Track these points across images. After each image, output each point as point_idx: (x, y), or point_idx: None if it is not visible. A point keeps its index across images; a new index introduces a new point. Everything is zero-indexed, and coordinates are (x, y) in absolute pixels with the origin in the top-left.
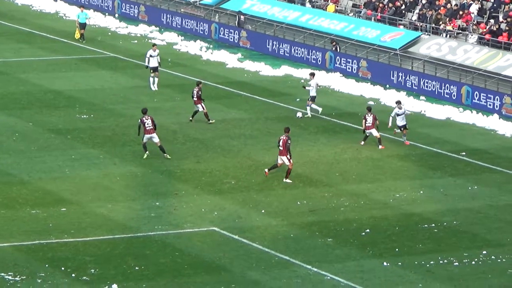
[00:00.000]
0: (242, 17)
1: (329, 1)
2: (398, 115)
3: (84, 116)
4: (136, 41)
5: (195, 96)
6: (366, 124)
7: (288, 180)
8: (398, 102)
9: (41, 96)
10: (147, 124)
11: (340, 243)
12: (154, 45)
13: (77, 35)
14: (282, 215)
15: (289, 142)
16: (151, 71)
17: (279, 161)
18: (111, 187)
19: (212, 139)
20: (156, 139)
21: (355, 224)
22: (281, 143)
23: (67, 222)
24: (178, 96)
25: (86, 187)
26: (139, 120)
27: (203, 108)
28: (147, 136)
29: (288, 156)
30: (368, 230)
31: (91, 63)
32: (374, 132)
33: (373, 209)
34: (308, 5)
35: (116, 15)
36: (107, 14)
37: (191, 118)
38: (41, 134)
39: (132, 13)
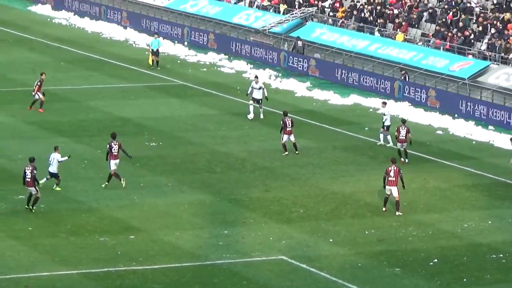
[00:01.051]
0: (300, 42)
1: (398, 30)
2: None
3: (153, 143)
4: (205, 69)
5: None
6: (400, 137)
7: (400, 213)
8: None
9: (110, 124)
10: (114, 149)
11: (407, 273)
12: (256, 77)
13: (150, 61)
14: (350, 244)
15: (401, 172)
16: (254, 101)
17: (388, 192)
18: (179, 215)
19: (281, 167)
20: (117, 165)
21: (423, 254)
22: (392, 174)
23: (135, 250)
24: (247, 124)
25: (154, 214)
26: (108, 145)
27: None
28: (113, 161)
29: (398, 187)
30: (436, 260)
31: (160, 90)
32: (405, 145)
33: (441, 239)
34: (377, 34)
35: (186, 43)
36: (176, 42)
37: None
38: None
39: (201, 41)
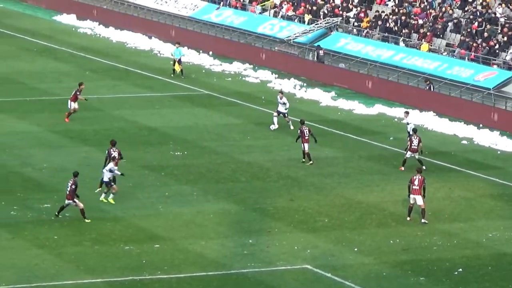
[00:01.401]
0: (321, 51)
1: (423, 40)
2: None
3: (178, 153)
4: (230, 79)
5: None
6: (412, 147)
7: (426, 221)
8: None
9: (135, 133)
10: (113, 156)
11: (432, 282)
12: (280, 92)
13: (178, 68)
14: (374, 254)
15: (425, 182)
16: (279, 114)
17: (412, 201)
18: (204, 224)
19: (305, 177)
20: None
21: (448, 264)
22: (417, 183)
23: (160, 259)
24: (272, 134)
25: (179, 224)
26: (107, 152)
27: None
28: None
29: (422, 196)
30: (460, 270)
31: (185, 100)
32: (416, 155)
33: (466, 248)
34: (402, 44)
35: (211, 52)
36: (201, 51)
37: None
38: (135, 170)
39: (226, 50)
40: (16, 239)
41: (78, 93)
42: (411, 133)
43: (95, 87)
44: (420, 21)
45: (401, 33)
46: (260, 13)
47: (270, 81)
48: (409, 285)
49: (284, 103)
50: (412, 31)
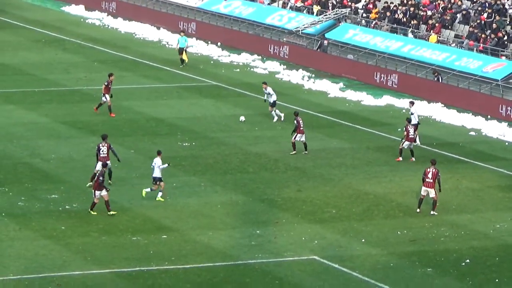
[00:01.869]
0: (325, 41)
1: (432, 31)
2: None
3: (186, 144)
4: (238, 70)
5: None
6: (410, 136)
7: (435, 212)
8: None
9: (143, 124)
10: (102, 151)
11: (439, 273)
12: (264, 83)
13: (185, 57)
14: (382, 245)
15: (439, 175)
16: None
17: (423, 193)
18: (211, 215)
19: (313, 168)
20: (109, 166)
21: (455, 255)
22: (430, 176)
23: (167, 249)
24: (280, 125)
25: (187, 214)
26: (96, 146)
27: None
28: (99, 163)
29: (435, 189)
30: (468, 261)
31: (193, 91)
32: (412, 144)
33: (473, 239)
34: (410, 35)
35: (219, 43)
36: (209, 42)
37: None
38: (142, 161)
39: (234, 41)
40: (23, 229)
41: (106, 84)
42: (414, 122)
43: (103, 78)
44: (429, 12)
45: (410, 24)
46: (268, 4)
47: (278, 72)
48: (416, 276)
49: (269, 93)
50: (421, 22)
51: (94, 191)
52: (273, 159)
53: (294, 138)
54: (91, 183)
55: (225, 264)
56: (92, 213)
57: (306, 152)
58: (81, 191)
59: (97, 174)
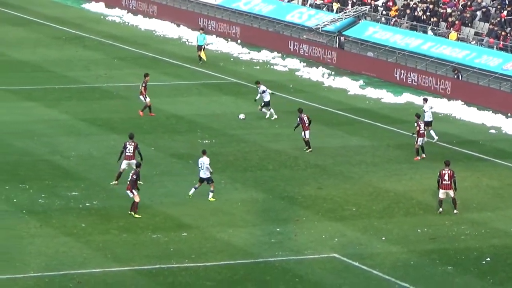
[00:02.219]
0: (342, 38)
1: (451, 29)
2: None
3: (206, 141)
4: (258, 67)
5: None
6: (421, 131)
7: (457, 211)
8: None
9: (163, 121)
10: (128, 149)
11: (460, 272)
12: (257, 82)
13: (203, 55)
14: (402, 243)
15: (455, 176)
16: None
17: (442, 196)
18: (232, 212)
19: (333, 165)
20: (134, 165)
21: (476, 253)
22: (447, 177)
23: (187, 247)
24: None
25: (207, 212)
26: (123, 144)
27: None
28: (125, 162)
29: (454, 189)
30: (488, 259)
31: (213, 88)
32: (424, 140)
33: (494, 237)
34: (430, 32)
35: (239, 40)
36: (229, 39)
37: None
38: (162, 158)
39: (254, 39)
40: (44, 227)
41: (144, 85)
42: (425, 119)
43: (123, 75)
44: (449, 10)
45: (430, 22)
46: (288, 1)
47: (298, 70)
48: (436, 274)
49: (264, 91)
50: (441, 20)
51: (132, 191)
52: (293, 157)
53: (305, 135)
54: (116, 181)
55: (245, 262)
56: (136, 216)
57: (310, 149)
58: (101, 189)
59: (131, 174)
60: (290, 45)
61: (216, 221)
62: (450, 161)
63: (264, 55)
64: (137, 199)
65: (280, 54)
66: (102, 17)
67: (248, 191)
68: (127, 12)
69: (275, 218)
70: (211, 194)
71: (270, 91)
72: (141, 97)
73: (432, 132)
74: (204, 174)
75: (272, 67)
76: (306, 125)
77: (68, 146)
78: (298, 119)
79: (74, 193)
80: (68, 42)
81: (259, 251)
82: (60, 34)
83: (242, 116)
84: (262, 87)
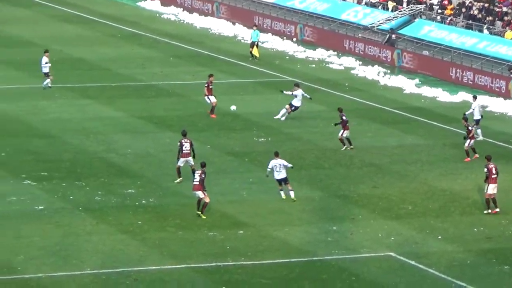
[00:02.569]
0: (393, 36)
1: (507, 28)
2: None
3: (262, 139)
4: (314, 65)
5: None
6: (470, 135)
7: (497, 209)
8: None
9: (219, 119)
10: (185, 147)
11: None
12: (296, 85)
13: (256, 52)
14: (458, 242)
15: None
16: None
17: (493, 191)
18: (288, 210)
19: (389, 164)
20: (191, 162)
21: None
22: (494, 171)
23: (244, 245)
24: (354, 121)
25: (263, 210)
26: (179, 143)
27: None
28: (182, 159)
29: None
30: None
31: (269, 86)
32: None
33: None
34: (486, 31)
35: (295, 39)
36: (285, 38)
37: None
38: (218, 156)
39: (310, 37)
40: (100, 224)
41: (206, 85)
42: (474, 118)
43: (179, 72)
44: (505, 9)
45: (485, 21)
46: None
47: (353, 68)
48: (493, 274)
49: (296, 96)
50: (496, 19)
51: (203, 192)
52: (348, 155)
53: (341, 134)
54: (180, 178)
55: (301, 260)
56: (203, 216)
57: (352, 147)
58: (157, 186)
59: (199, 173)
60: (346, 44)
61: (272, 219)
62: (491, 156)
63: (319, 54)
64: (207, 200)
65: (335, 53)
66: (157, 15)
67: (304, 190)
68: (183, 10)
69: (331, 217)
70: (292, 193)
71: (309, 96)
72: (205, 98)
73: (478, 131)
74: (279, 175)
75: (327, 65)
76: (347, 124)
77: (124, 144)
78: (340, 118)
79: (130, 190)
80: (124, 40)
81: (315, 249)
82: (115, 32)
83: (233, 107)
84: (296, 92)
